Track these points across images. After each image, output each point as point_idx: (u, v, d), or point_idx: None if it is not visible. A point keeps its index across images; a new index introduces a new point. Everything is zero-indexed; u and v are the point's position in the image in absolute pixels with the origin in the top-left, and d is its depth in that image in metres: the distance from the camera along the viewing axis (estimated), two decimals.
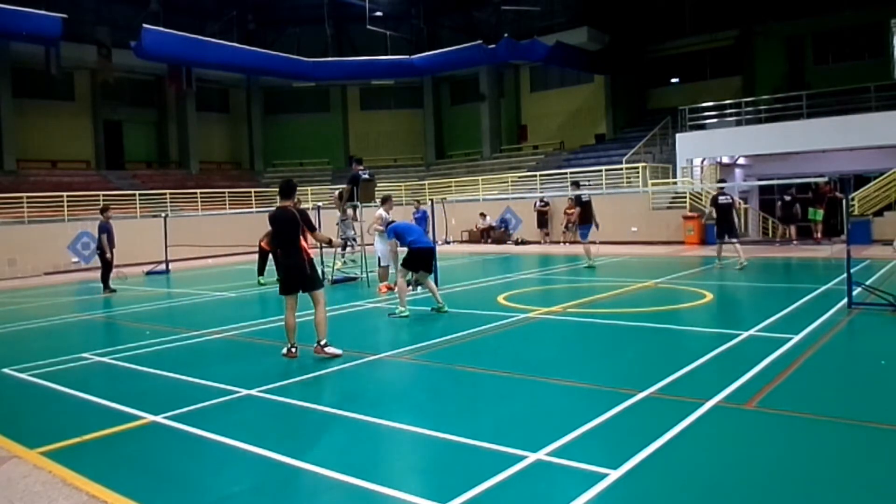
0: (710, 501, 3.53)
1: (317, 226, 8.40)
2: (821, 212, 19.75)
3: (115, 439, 4.81)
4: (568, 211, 23.77)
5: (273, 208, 7.34)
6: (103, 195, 23.21)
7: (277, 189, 7.26)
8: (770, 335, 7.22)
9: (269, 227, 13.91)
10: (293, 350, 7.00)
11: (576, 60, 28.89)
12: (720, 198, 14.17)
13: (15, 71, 26.46)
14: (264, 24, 33.12)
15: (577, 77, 31.26)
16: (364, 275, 13.89)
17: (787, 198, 20.73)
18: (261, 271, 14.76)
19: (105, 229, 14.33)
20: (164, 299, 13.38)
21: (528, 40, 27.82)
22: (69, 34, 23.06)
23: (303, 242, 6.94)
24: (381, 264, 12.40)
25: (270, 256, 14.21)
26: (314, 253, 7.34)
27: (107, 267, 14.38)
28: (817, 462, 3.98)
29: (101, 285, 14.26)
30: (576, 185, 16.39)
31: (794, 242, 20.08)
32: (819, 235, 19.63)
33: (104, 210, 14.85)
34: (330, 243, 7.55)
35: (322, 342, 6.99)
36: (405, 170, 33.85)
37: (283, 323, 7.09)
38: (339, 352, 7.02)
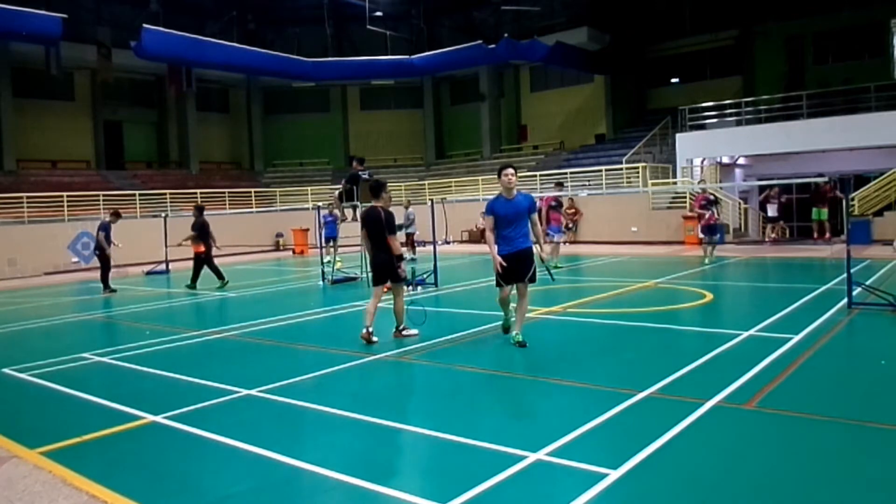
0: (710, 501, 3.53)
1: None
2: (825, 211, 19.73)
3: (115, 439, 4.81)
4: (568, 211, 23.79)
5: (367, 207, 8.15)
6: (103, 195, 23.25)
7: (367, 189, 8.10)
8: (770, 335, 7.22)
9: (196, 229, 13.87)
10: (364, 331, 7.57)
11: (576, 60, 28.88)
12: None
13: (15, 71, 26.46)
14: (264, 24, 33.12)
15: (577, 77, 31.24)
16: (364, 275, 13.89)
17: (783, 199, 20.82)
18: (220, 275, 14.12)
19: (104, 227, 14.35)
20: (164, 299, 13.38)
21: (528, 40, 27.80)
22: (69, 34, 23.05)
23: (389, 240, 7.60)
24: None
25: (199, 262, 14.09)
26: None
27: (106, 266, 14.39)
28: (817, 462, 3.97)
29: (101, 285, 14.26)
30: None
31: (767, 241, 20.21)
32: (828, 235, 19.50)
33: (115, 214, 14.95)
34: (400, 258, 7.77)
35: (400, 328, 7.88)
36: (405, 170, 33.85)
37: (282, 323, 7.10)
38: (415, 332, 7.87)
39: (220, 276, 14.09)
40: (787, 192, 23.01)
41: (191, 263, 14.48)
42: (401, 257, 7.73)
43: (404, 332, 7.88)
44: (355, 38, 33.12)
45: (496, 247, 7.07)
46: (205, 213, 14.56)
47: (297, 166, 34.28)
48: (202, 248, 14.11)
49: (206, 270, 14.15)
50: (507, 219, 6.98)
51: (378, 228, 7.61)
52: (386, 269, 7.69)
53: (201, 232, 14.09)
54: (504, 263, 6.95)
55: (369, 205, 7.90)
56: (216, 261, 14.50)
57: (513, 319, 7.44)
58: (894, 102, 20.26)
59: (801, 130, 21.07)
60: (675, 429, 4.43)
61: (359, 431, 4.83)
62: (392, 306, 7.94)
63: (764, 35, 27.59)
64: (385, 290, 12.01)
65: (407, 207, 17.25)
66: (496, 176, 7.22)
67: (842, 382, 5.68)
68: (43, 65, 23.92)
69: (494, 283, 7.35)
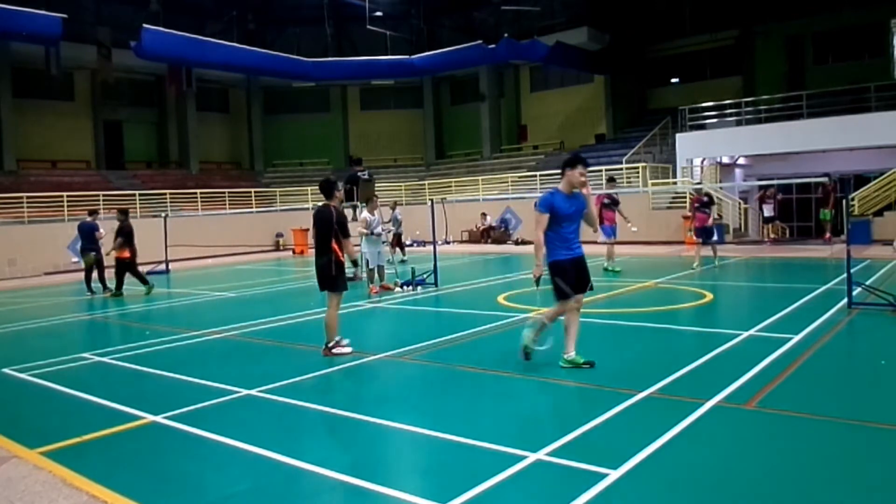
0: (709, 501, 3.53)
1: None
2: (829, 212, 19.68)
3: (115, 439, 4.81)
4: None
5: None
6: (103, 195, 23.24)
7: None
8: (770, 335, 7.22)
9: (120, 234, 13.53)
10: (332, 344, 7.14)
11: (576, 60, 28.89)
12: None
13: (15, 71, 26.47)
14: (264, 24, 33.13)
15: (577, 77, 31.26)
16: (363, 275, 13.88)
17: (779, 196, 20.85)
18: (143, 280, 13.85)
19: (95, 227, 14.25)
20: (164, 299, 13.38)
21: (528, 40, 27.83)
22: (69, 34, 23.04)
23: (334, 244, 6.93)
24: (369, 266, 12.45)
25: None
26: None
27: (102, 266, 14.33)
28: (817, 462, 3.97)
29: (101, 286, 14.24)
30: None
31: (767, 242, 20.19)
32: (828, 235, 19.41)
33: (94, 212, 14.87)
34: (354, 263, 7.18)
35: (329, 344, 7.10)
36: (405, 170, 33.86)
37: (282, 323, 7.08)
38: (347, 350, 7.10)
39: (144, 281, 13.80)
40: (787, 192, 23.03)
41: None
42: (355, 262, 7.07)
43: (334, 350, 7.05)
44: (355, 38, 33.12)
45: (552, 251, 5.97)
46: (129, 216, 14.20)
47: (297, 166, 34.28)
48: (126, 254, 13.67)
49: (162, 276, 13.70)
50: (570, 218, 5.96)
51: (326, 229, 6.95)
52: (323, 274, 7.01)
53: (127, 237, 13.70)
54: (542, 272, 5.91)
55: (321, 203, 7.22)
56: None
57: (536, 344, 6.36)
58: (894, 102, 20.25)
59: (801, 130, 21.07)
60: (675, 429, 4.42)
61: (359, 431, 4.83)
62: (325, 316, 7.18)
63: (764, 35, 27.59)
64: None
65: (393, 208, 17.21)
66: (561, 170, 6.09)
67: (842, 382, 5.68)
68: (43, 65, 23.90)
69: (557, 295, 6.01)
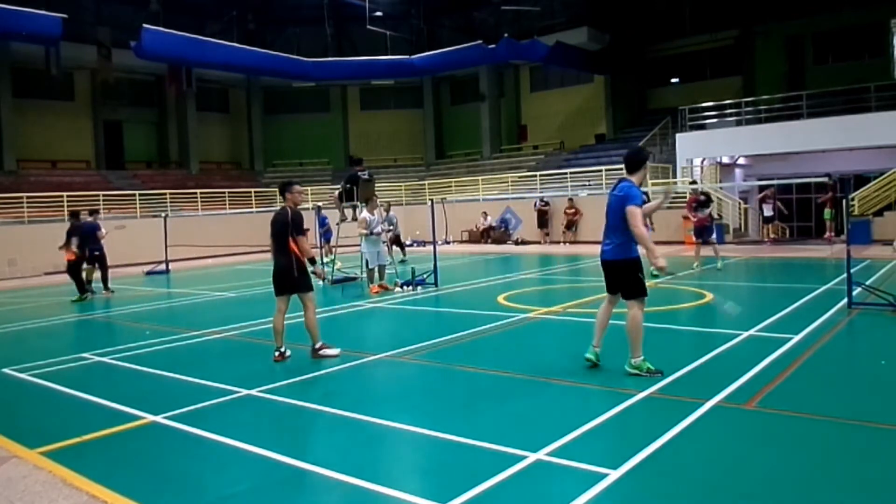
0: (710, 501, 3.53)
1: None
2: (830, 211, 19.67)
3: (115, 439, 4.81)
4: (568, 211, 23.80)
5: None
6: (103, 195, 23.24)
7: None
8: (770, 335, 7.22)
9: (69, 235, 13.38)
10: (276, 354, 7.02)
11: (576, 60, 28.89)
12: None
13: (15, 71, 26.47)
14: (264, 24, 33.12)
15: (577, 77, 31.25)
16: (364, 275, 13.89)
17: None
18: (81, 288, 13.43)
19: (97, 227, 14.16)
20: (164, 299, 13.38)
21: (528, 40, 27.84)
22: (69, 34, 23.03)
23: (292, 245, 6.82)
24: (369, 266, 12.44)
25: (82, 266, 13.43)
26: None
27: (106, 266, 14.31)
28: (817, 462, 3.97)
29: (101, 285, 14.23)
30: None
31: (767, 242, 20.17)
32: (829, 234, 19.38)
33: (94, 212, 14.79)
34: (312, 261, 6.96)
35: (316, 346, 7.06)
36: (405, 170, 33.86)
37: None
38: (335, 352, 7.06)
39: (81, 289, 13.47)
40: (787, 191, 23.04)
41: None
42: (313, 261, 6.93)
43: (321, 352, 6.98)
44: (355, 38, 33.12)
45: (631, 247, 5.83)
46: (81, 218, 14.00)
47: (297, 166, 34.26)
48: (73, 257, 13.47)
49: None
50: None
51: (282, 230, 6.84)
52: (285, 276, 6.88)
53: (71, 238, 13.50)
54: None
55: (280, 206, 7.11)
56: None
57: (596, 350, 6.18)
58: (894, 102, 20.24)
59: (801, 130, 21.06)
60: (675, 429, 4.43)
61: (359, 431, 4.83)
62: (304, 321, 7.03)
63: (764, 35, 27.59)
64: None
65: (388, 211, 17.20)
66: (638, 164, 6.06)
67: (842, 382, 5.67)
68: (43, 65, 23.90)
69: (639, 292, 5.90)
